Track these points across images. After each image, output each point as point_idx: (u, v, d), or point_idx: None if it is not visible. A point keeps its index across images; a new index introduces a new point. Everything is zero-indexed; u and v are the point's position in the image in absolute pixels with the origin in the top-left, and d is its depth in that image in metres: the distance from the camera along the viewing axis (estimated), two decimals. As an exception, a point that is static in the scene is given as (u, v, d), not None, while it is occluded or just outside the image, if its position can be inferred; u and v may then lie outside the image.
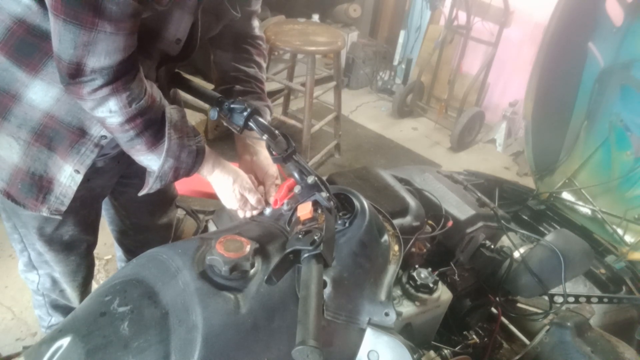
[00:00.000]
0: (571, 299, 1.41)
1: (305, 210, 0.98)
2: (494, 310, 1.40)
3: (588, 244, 1.43)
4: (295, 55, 3.66)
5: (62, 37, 0.87)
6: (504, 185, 2.10)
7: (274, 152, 1.11)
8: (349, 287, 1.00)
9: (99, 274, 2.35)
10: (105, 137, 1.12)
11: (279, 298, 0.94)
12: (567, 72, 1.97)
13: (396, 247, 1.14)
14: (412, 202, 1.38)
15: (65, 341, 0.87)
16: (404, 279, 1.12)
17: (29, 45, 1.02)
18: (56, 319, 1.60)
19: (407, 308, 1.08)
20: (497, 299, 1.38)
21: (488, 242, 1.42)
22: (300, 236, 0.87)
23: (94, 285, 1.69)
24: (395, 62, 5.09)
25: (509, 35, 3.98)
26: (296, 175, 1.09)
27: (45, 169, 1.12)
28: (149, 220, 1.66)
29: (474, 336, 1.29)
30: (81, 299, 1.53)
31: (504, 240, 1.59)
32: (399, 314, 1.03)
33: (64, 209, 1.16)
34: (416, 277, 1.11)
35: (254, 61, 1.41)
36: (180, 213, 2.25)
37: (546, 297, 1.39)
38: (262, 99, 1.38)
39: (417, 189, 1.57)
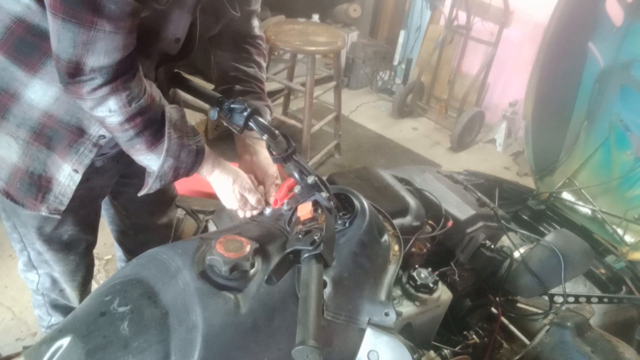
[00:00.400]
0: (571, 299, 1.41)
1: (305, 210, 0.98)
2: (494, 310, 1.40)
3: (588, 244, 1.43)
4: (295, 55, 3.65)
5: (61, 36, 0.87)
6: (504, 185, 2.10)
7: (274, 152, 1.11)
8: (349, 287, 1.00)
9: (99, 274, 2.35)
10: (103, 136, 1.12)
11: (279, 298, 0.94)
12: (567, 72, 1.97)
13: (396, 247, 1.14)
14: (412, 202, 1.38)
15: (65, 341, 0.86)
16: (404, 279, 1.12)
17: (28, 45, 1.02)
18: (56, 318, 1.60)
19: (407, 308, 1.08)
20: (497, 299, 1.38)
21: (488, 242, 1.42)
22: (300, 236, 0.87)
23: (94, 285, 1.69)
24: (395, 62, 5.09)
25: (509, 35, 3.98)
26: (296, 175, 1.09)
27: (44, 168, 1.12)
28: (149, 220, 1.66)
29: (474, 336, 1.29)
30: (81, 298, 1.53)
31: (504, 240, 1.58)
32: (399, 314, 1.03)
33: (63, 208, 1.16)
34: (416, 277, 1.11)
35: (254, 61, 1.41)
36: (180, 213, 2.25)
37: (546, 297, 1.39)
38: (262, 98, 1.38)
39: (417, 189, 1.57)
